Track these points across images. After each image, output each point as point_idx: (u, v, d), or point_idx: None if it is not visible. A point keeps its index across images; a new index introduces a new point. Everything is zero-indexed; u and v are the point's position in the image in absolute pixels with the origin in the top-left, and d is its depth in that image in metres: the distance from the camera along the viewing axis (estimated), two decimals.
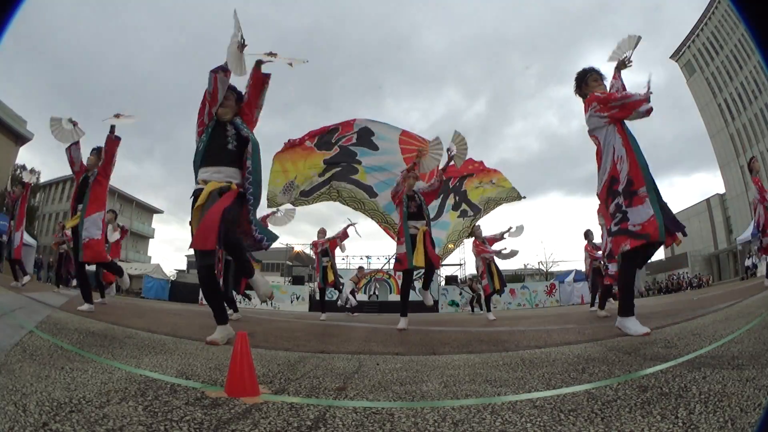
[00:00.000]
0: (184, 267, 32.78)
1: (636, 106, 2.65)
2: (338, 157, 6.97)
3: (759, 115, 29.91)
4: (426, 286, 4.81)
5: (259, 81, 2.78)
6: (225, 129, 2.66)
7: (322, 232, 7.77)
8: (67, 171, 4.97)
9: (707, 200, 33.86)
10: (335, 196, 7.01)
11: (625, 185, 2.66)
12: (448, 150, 4.81)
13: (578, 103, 3.07)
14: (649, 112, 2.63)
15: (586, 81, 3.01)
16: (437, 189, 4.82)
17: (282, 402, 1.24)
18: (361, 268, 12.30)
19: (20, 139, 21.82)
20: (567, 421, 1.04)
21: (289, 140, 6.59)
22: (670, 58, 38.70)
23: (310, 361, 2.05)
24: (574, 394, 1.28)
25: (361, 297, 16.29)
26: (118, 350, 2.04)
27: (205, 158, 2.61)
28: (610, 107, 2.75)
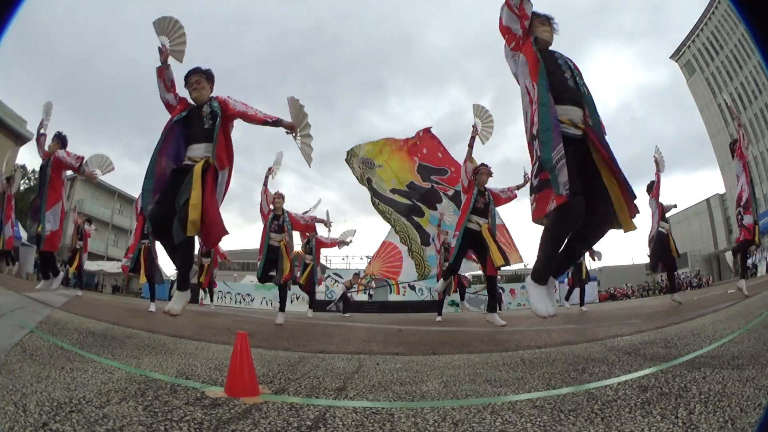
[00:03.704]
0: None
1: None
2: (424, 193, 7.40)
3: (759, 115, 29.91)
4: (490, 307, 4.59)
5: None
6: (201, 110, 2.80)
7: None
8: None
9: (707, 200, 33.85)
10: (389, 220, 7.42)
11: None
12: (473, 126, 4.67)
13: None
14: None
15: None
16: (511, 199, 4.80)
17: (282, 402, 1.24)
18: (356, 275, 12.17)
19: (20, 139, 21.81)
20: (567, 421, 1.04)
21: (412, 139, 7.02)
22: (670, 58, 38.72)
23: (310, 361, 2.05)
24: (574, 394, 1.28)
25: (361, 297, 16.28)
26: (118, 350, 2.04)
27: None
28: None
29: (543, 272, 2.13)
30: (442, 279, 5.05)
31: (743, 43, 29.80)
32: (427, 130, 7.82)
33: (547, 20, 2.44)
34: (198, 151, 2.71)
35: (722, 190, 32.83)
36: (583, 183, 1.98)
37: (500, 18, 2.44)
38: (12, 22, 0.81)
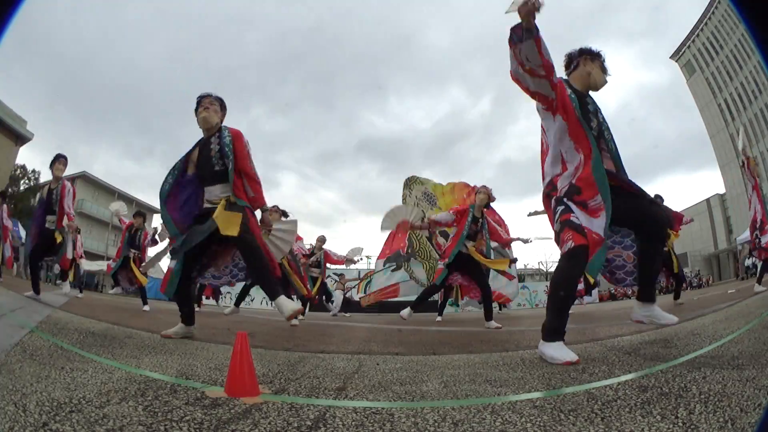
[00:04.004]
0: None
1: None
2: None
3: (759, 115, 29.95)
4: (488, 315, 4.44)
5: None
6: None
7: (320, 240, 7.80)
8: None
9: (707, 200, 33.87)
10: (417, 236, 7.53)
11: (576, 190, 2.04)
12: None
13: None
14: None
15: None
16: (504, 239, 5.09)
17: (282, 402, 1.24)
18: (342, 275, 12.32)
19: (20, 139, 21.82)
20: (567, 421, 1.04)
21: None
22: (670, 58, 38.77)
23: (310, 361, 2.05)
24: (574, 394, 1.28)
25: (362, 296, 16.27)
26: (118, 350, 2.04)
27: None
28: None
29: (560, 325, 1.95)
30: (409, 308, 4.98)
31: (743, 43, 29.84)
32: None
33: (606, 69, 2.29)
34: (215, 191, 2.63)
35: (722, 190, 32.89)
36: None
37: (517, 81, 2.07)
38: (12, 22, 0.81)
